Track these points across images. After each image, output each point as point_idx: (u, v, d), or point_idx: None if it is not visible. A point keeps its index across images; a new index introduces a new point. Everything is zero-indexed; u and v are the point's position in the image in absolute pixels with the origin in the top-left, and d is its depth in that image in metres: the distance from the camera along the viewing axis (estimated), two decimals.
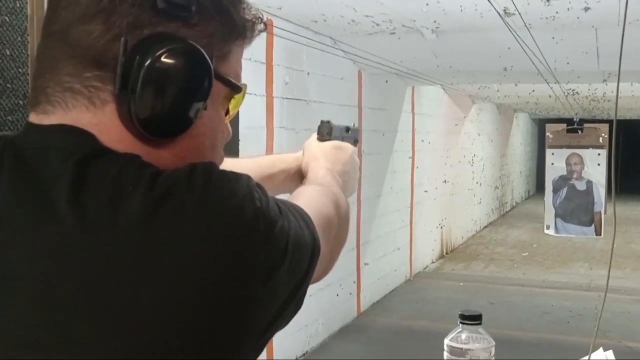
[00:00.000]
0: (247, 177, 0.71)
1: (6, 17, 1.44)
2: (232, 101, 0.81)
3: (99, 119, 0.71)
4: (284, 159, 1.23)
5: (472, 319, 1.32)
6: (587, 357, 1.41)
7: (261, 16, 0.82)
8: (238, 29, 0.78)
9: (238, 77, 0.81)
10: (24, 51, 1.51)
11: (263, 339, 0.71)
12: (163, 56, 0.70)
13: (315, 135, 1.21)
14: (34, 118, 0.75)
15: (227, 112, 0.82)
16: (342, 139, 1.22)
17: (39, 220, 0.66)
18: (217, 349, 0.65)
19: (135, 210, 0.65)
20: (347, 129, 1.27)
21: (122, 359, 0.62)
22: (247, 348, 0.69)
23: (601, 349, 1.47)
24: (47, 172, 0.69)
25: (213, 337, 0.65)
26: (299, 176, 1.18)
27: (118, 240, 0.64)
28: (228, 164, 0.83)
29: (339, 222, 0.96)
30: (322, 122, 1.18)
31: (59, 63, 0.72)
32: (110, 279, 0.63)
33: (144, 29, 0.70)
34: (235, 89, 0.80)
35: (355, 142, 1.29)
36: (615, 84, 1.70)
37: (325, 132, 1.19)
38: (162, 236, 0.64)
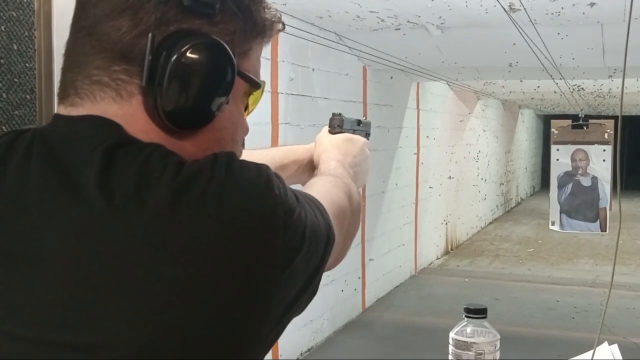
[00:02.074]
0: (266, 167, 0.74)
1: (13, 12, 1.45)
2: (251, 97, 0.84)
3: (125, 110, 0.74)
4: (296, 150, 1.27)
5: (477, 312, 1.33)
6: (591, 352, 1.41)
7: (280, 16, 0.84)
8: (258, 27, 0.80)
9: (257, 74, 0.84)
10: (31, 46, 1.51)
11: (280, 324, 0.73)
12: (189, 51, 0.72)
13: (326, 128, 1.23)
14: (62, 110, 0.77)
15: (246, 108, 0.85)
16: (354, 132, 1.24)
17: (69, 204, 0.69)
18: (237, 331, 0.67)
19: (161, 196, 0.67)
20: (359, 122, 1.30)
21: (146, 338, 0.65)
22: (267, 332, 0.71)
23: (606, 343, 1.47)
24: (76, 159, 0.71)
25: (233, 319, 0.67)
26: (310, 167, 1.21)
27: (143, 223, 0.67)
28: (242, 155, 0.85)
29: (352, 212, 0.98)
30: (333, 114, 1.20)
31: (87, 57, 0.74)
32: (135, 260, 0.66)
33: (170, 25, 0.73)
34: (255, 85, 0.83)
35: (367, 135, 1.32)
36: (621, 79, 1.70)
37: (337, 124, 1.21)
38: (185, 221, 0.67)
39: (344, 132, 1.21)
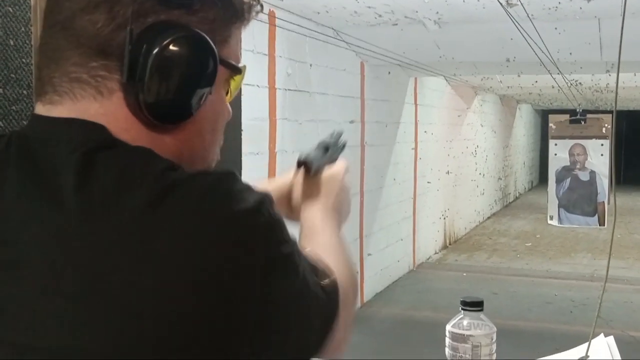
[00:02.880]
0: (265, 193, 0.71)
1: (9, 8, 1.45)
2: (233, 83, 0.83)
3: (106, 108, 0.72)
4: (273, 181, 1.14)
5: (473, 305, 1.33)
6: (587, 344, 1.42)
7: None
8: (237, 12, 0.79)
9: (238, 58, 0.82)
10: (27, 41, 1.52)
11: (258, 343, 0.68)
12: (171, 44, 0.71)
13: (301, 171, 1.09)
14: (41, 109, 0.75)
15: (227, 93, 0.83)
16: (326, 163, 1.12)
17: (46, 208, 0.67)
18: (208, 343, 0.64)
19: (140, 201, 0.65)
20: (326, 148, 1.15)
21: (120, 344, 0.63)
22: (238, 345, 0.67)
23: (602, 334, 1.48)
24: (55, 163, 0.69)
25: (204, 331, 0.64)
26: (287, 202, 1.09)
27: (120, 228, 0.64)
28: None
29: (353, 292, 0.89)
30: (299, 159, 1.06)
31: (64, 53, 0.72)
32: (111, 266, 0.63)
33: (148, 17, 0.71)
34: (236, 70, 0.81)
35: (342, 149, 1.20)
36: (620, 74, 1.71)
37: (310, 168, 1.07)
38: (162, 227, 0.64)
39: (318, 170, 1.08)
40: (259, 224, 0.68)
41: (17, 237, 0.67)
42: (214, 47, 0.74)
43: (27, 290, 0.65)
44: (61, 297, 0.64)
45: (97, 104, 0.72)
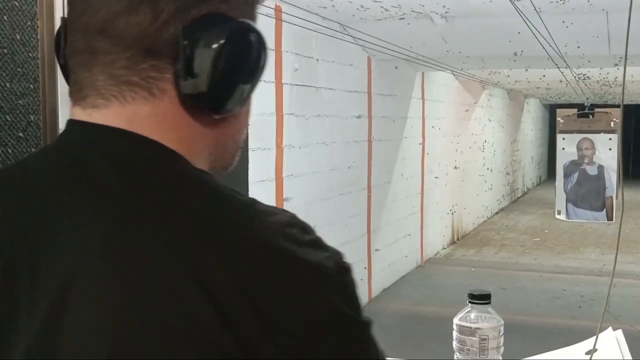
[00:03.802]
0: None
1: (16, 2, 1.45)
2: None
3: (157, 109, 0.71)
4: None
5: (481, 298, 1.33)
6: (594, 338, 1.41)
7: None
8: None
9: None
10: (34, 35, 1.51)
11: None
12: (228, 37, 0.70)
13: None
14: (81, 114, 0.72)
15: None
16: None
17: (91, 218, 0.66)
18: None
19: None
20: None
21: None
22: None
23: (610, 328, 1.48)
24: (115, 183, 0.67)
25: None
26: None
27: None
28: None
29: None
30: None
31: (107, 57, 0.70)
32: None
33: (191, 10, 0.70)
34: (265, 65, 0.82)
35: None
36: (628, 68, 1.70)
37: None
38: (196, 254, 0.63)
39: None
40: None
41: (66, 251, 0.65)
42: (263, 36, 0.74)
43: (80, 306, 0.63)
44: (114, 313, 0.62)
45: (148, 106, 0.70)
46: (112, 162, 0.69)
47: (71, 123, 0.74)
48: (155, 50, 0.69)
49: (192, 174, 0.70)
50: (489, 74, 8.69)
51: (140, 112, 0.70)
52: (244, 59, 0.72)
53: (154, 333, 0.60)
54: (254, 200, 0.69)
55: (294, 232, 0.67)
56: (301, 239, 0.66)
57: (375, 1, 4.56)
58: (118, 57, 0.69)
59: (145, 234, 0.63)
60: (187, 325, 0.60)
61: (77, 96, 0.73)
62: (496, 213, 12.02)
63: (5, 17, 1.43)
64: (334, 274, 0.67)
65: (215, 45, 0.69)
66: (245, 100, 0.75)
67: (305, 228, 0.68)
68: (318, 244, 0.68)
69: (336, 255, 0.68)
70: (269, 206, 0.69)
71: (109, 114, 0.70)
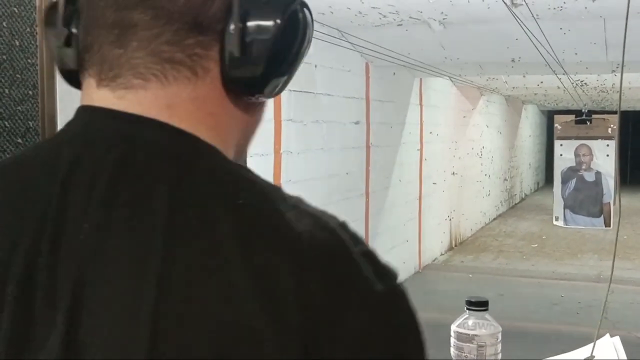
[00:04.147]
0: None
1: (15, 9, 1.45)
2: None
3: (199, 91, 0.64)
4: None
5: (478, 305, 1.33)
6: (592, 344, 1.41)
7: None
8: None
9: None
10: (33, 42, 1.52)
11: None
12: (284, 14, 0.65)
13: None
14: (108, 96, 0.64)
15: None
16: None
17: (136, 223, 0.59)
18: None
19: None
20: None
21: None
22: None
23: (607, 335, 1.48)
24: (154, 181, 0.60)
25: None
26: None
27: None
28: None
29: None
30: None
31: (149, 31, 0.62)
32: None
33: None
34: None
35: None
36: (625, 74, 1.71)
37: None
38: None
39: None
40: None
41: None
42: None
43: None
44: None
45: (190, 87, 0.63)
46: (151, 164, 0.61)
47: (94, 112, 0.65)
48: (202, 24, 0.63)
49: (238, 172, 0.64)
50: (487, 80, 8.71)
51: (182, 94, 0.63)
52: (296, 40, 0.66)
53: (208, 335, 0.56)
54: (299, 200, 0.65)
55: (347, 236, 0.63)
56: (354, 246, 0.63)
57: (374, 8, 4.57)
58: (162, 31, 0.62)
59: (199, 232, 0.58)
60: (238, 331, 0.55)
61: (104, 76, 0.64)
62: (494, 219, 12.02)
63: (4, 24, 1.44)
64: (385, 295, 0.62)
65: (269, 23, 0.64)
66: (287, 84, 0.69)
67: (355, 237, 0.65)
68: (370, 256, 0.64)
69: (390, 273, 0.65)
70: (314, 208, 0.65)
71: (147, 97, 0.63)
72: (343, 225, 0.65)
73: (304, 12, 0.67)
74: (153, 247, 0.57)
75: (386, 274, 0.63)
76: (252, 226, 0.59)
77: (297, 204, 0.63)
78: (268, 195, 0.63)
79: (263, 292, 0.56)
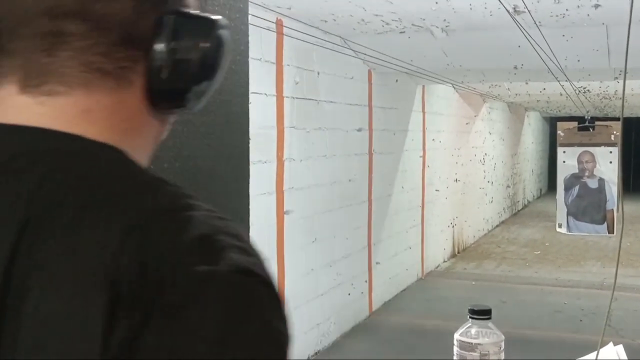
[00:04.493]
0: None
1: None
2: None
3: (119, 100, 0.67)
4: None
5: (481, 313, 1.33)
6: (595, 353, 1.41)
7: None
8: None
9: None
10: None
11: None
12: (208, 33, 0.69)
13: None
14: (26, 102, 0.65)
15: None
16: None
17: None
18: None
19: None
20: None
21: None
22: None
23: (611, 343, 1.47)
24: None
25: None
26: None
27: None
28: None
29: None
30: None
31: (82, 42, 0.65)
32: None
33: (167, 3, 0.68)
34: None
35: None
36: (628, 81, 1.70)
37: None
38: None
39: None
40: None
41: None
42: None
43: None
44: None
45: (112, 96, 0.67)
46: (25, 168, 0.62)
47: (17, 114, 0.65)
48: (133, 39, 0.66)
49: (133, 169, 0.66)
50: (490, 87, 8.71)
51: (103, 101, 0.66)
52: (217, 61, 0.70)
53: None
54: (187, 194, 0.64)
55: (221, 225, 0.61)
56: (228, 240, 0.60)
57: (376, 15, 4.58)
58: (96, 43, 0.65)
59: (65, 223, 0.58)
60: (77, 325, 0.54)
61: (29, 83, 0.65)
62: (497, 226, 12.01)
63: None
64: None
65: (194, 44, 0.68)
66: (205, 98, 0.73)
67: (236, 235, 0.61)
68: (244, 249, 0.60)
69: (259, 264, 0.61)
70: (208, 215, 0.62)
71: (68, 103, 0.65)
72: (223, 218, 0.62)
73: (225, 35, 0.71)
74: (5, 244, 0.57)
75: (257, 262, 0.61)
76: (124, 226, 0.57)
77: (189, 210, 0.61)
78: (151, 186, 0.63)
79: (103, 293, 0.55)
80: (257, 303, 0.59)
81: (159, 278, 0.55)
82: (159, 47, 0.67)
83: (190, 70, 0.68)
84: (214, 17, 0.70)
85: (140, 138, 0.70)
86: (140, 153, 0.70)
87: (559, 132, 5.49)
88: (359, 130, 5.94)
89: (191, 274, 0.56)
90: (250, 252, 0.61)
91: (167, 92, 0.69)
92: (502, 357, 1.33)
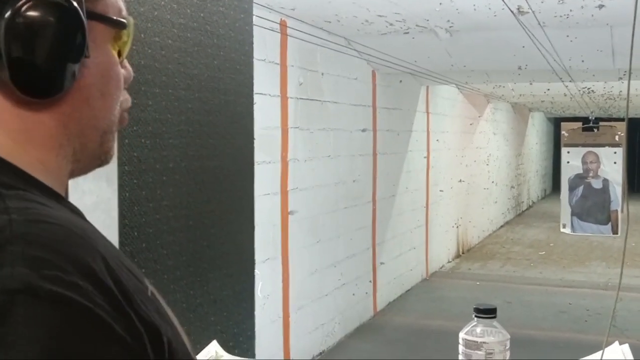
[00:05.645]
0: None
1: None
2: (121, 39, 0.74)
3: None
4: None
5: (486, 312, 1.33)
6: (600, 352, 1.41)
7: None
8: None
9: (120, 11, 0.74)
10: None
11: None
12: (25, 10, 0.63)
13: None
14: None
15: (120, 53, 0.74)
16: None
17: None
18: None
19: None
20: None
21: None
22: None
23: (616, 342, 1.47)
24: None
25: None
26: None
27: None
28: None
29: None
30: None
31: None
32: None
33: None
34: (120, 25, 0.73)
35: None
36: (632, 81, 1.71)
37: None
38: None
39: None
40: None
41: None
42: (77, 9, 0.66)
43: None
44: None
45: None
46: None
47: None
48: None
49: None
50: (494, 88, 8.71)
51: None
52: (49, 35, 0.64)
53: None
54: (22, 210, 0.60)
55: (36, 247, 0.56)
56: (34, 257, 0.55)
57: (380, 16, 4.58)
58: None
59: None
60: None
61: None
62: (501, 226, 12.00)
63: None
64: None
65: (8, 17, 0.62)
66: (72, 77, 0.67)
67: (50, 261, 0.56)
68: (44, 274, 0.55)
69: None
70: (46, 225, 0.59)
71: None
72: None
73: (63, 11, 0.65)
74: None
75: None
76: None
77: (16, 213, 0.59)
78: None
79: None
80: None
81: None
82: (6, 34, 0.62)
83: (30, 54, 0.63)
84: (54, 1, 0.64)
85: (31, 139, 0.67)
86: (53, 155, 0.68)
87: (563, 132, 5.49)
88: (363, 130, 5.95)
89: None
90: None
91: (18, 82, 0.64)
92: (508, 356, 1.33)
